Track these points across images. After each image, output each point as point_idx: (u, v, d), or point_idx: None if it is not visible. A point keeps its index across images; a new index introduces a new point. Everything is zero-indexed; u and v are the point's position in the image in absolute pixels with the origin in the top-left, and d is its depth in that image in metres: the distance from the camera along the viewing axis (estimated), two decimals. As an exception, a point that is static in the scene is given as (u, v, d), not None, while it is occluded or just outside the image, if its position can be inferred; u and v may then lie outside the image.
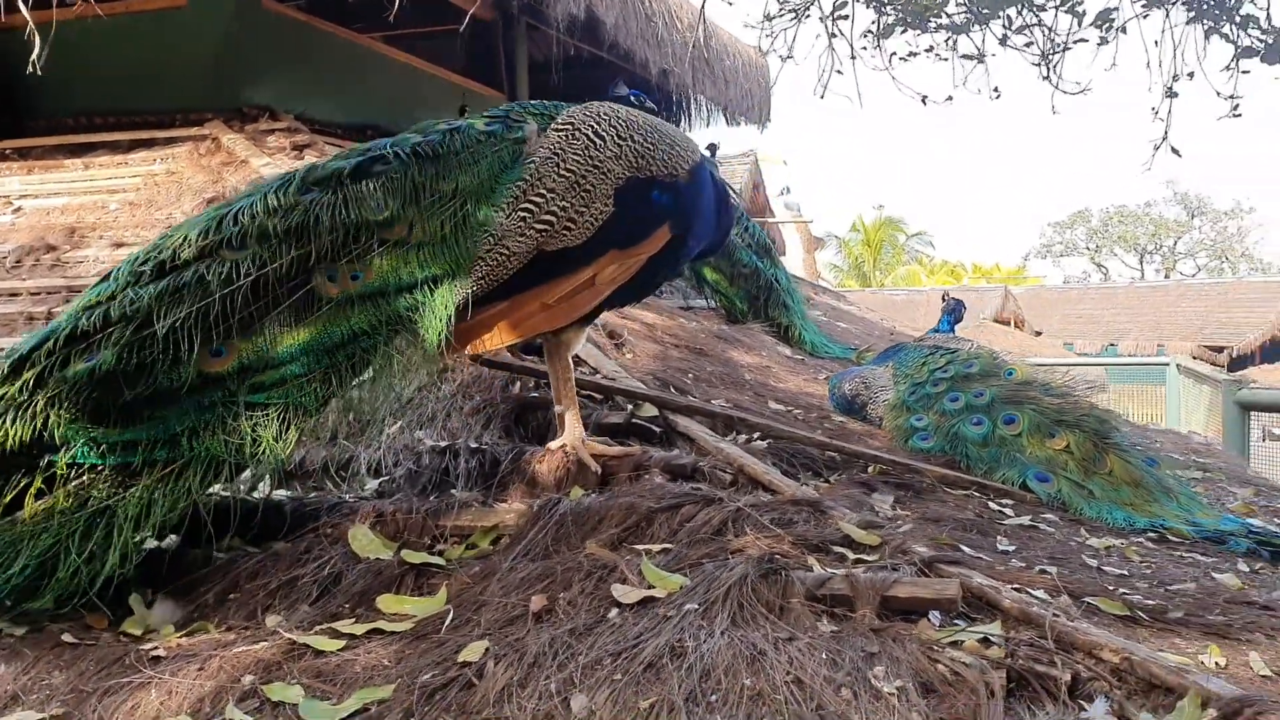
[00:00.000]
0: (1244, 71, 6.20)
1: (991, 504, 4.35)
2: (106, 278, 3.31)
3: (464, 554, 3.38)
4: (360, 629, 2.87)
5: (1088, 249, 61.28)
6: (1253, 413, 12.79)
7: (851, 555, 3.20)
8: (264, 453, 3.09)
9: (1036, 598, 3.05)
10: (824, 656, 2.55)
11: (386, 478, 4.00)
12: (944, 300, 6.47)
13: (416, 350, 3.42)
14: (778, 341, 8.04)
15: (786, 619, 2.78)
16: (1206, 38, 6.22)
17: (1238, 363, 33.81)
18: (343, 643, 2.77)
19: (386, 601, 3.08)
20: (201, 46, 9.79)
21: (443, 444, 4.08)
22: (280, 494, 3.92)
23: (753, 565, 2.92)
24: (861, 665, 2.51)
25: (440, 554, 3.37)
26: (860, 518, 3.45)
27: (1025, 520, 4.17)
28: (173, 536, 3.46)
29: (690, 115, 16.72)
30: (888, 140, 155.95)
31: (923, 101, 7.21)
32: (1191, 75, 6.33)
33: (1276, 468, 12.75)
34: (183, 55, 9.77)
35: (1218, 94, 5.84)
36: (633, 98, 4.70)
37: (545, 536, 3.30)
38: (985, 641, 2.73)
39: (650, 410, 4.33)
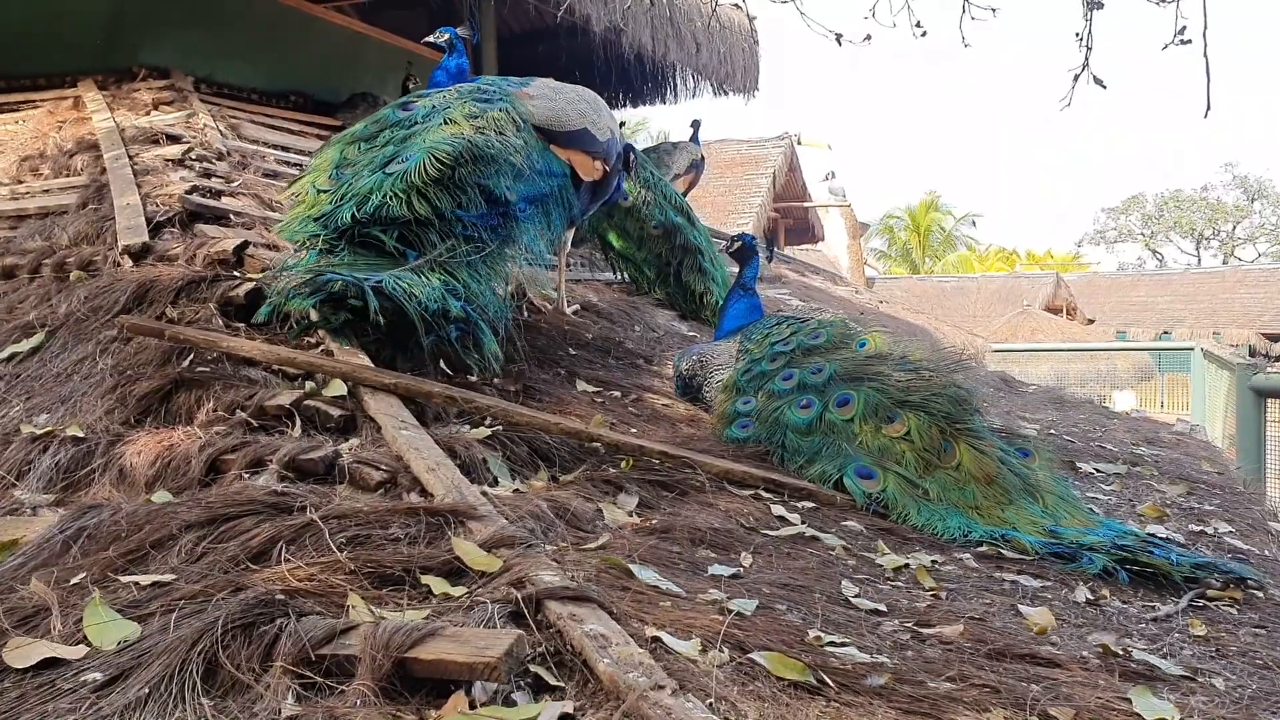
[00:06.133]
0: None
1: (776, 508, 3.36)
2: None
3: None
4: None
5: (1142, 235, 59.07)
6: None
7: (441, 590, 2.24)
8: None
9: (676, 653, 2.07)
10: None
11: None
12: (734, 244, 5.21)
13: None
14: (675, 317, 7.02)
15: (238, 696, 1.84)
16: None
17: (1297, 350, 32.43)
18: None
19: None
20: (94, 6, 9.03)
21: (40, 432, 3.17)
22: None
23: (234, 611, 1.97)
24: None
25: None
26: (497, 533, 2.48)
27: (806, 531, 3.18)
28: None
29: (675, 86, 15.66)
30: (939, 125, 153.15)
31: (837, 41, 6.19)
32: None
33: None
34: (74, 16, 9.01)
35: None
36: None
37: (34, 561, 2.38)
38: (523, 732, 1.77)
39: (339, 388, 3.40)
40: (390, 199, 3.91)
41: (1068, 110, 4.90)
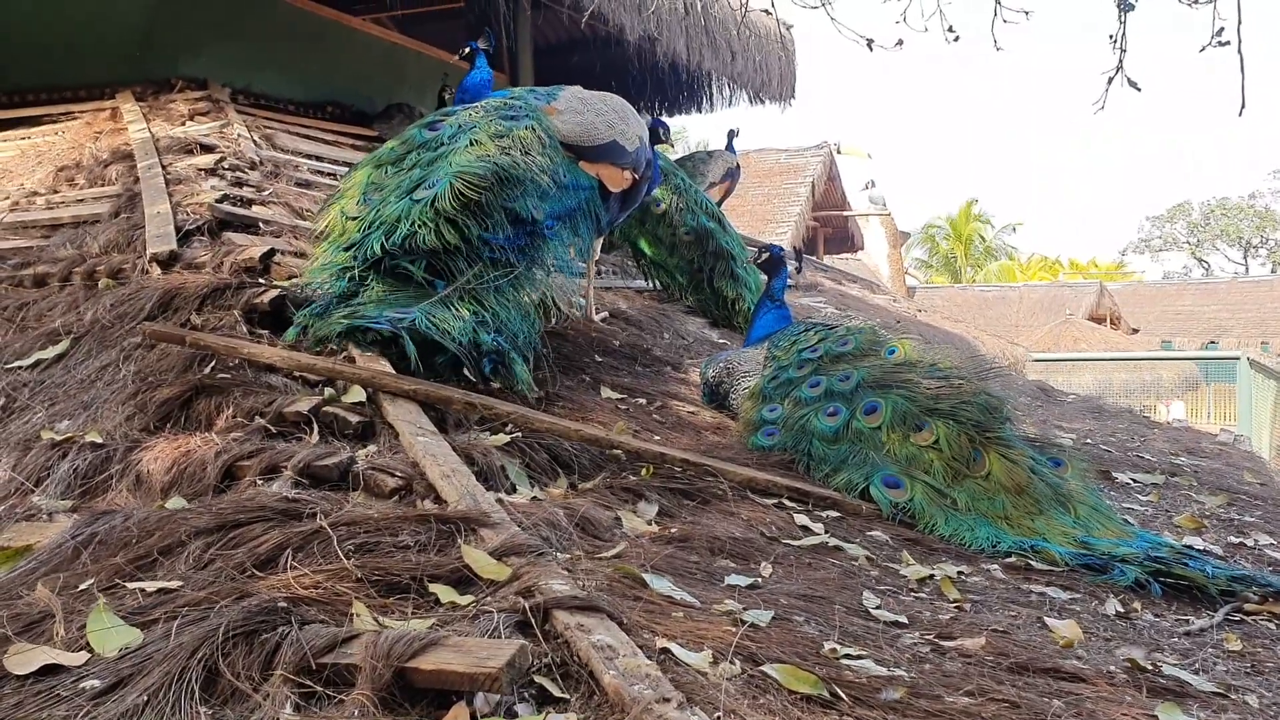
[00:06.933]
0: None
1: (800, 517, 3.30)
2: None
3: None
4: None
5: (1188, 243, 58.28)
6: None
7: (448, 598, 2.21)
8: None
9: (686, 665, 2.02)
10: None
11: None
12: (762, 256, 5.23)
13: None
14: (705, 324, 6.98)
15: (237, 705, 1.82)
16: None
17: (1347, 361, 31.74)
18: None
19: None
20: (131, 17, 9.11)
21: (59, 438, 3.17)
22: None
23: (235, 619, 1.95)
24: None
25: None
26: (507, 541, 2.44)
27: (829, 540, 3.12)
28: None
29: (711, 95, 15.61)
30: (970, 129, 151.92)
31: (868, 46, 6.12)
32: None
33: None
34: (112, 28, 9.11)
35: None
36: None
37: (45, 567, 2.37)
38: (524, 746, 1.73)
39: (358, 394, 3.38)
40: (419, 227, 3.90)
41: (1089, 114, 4.81)
